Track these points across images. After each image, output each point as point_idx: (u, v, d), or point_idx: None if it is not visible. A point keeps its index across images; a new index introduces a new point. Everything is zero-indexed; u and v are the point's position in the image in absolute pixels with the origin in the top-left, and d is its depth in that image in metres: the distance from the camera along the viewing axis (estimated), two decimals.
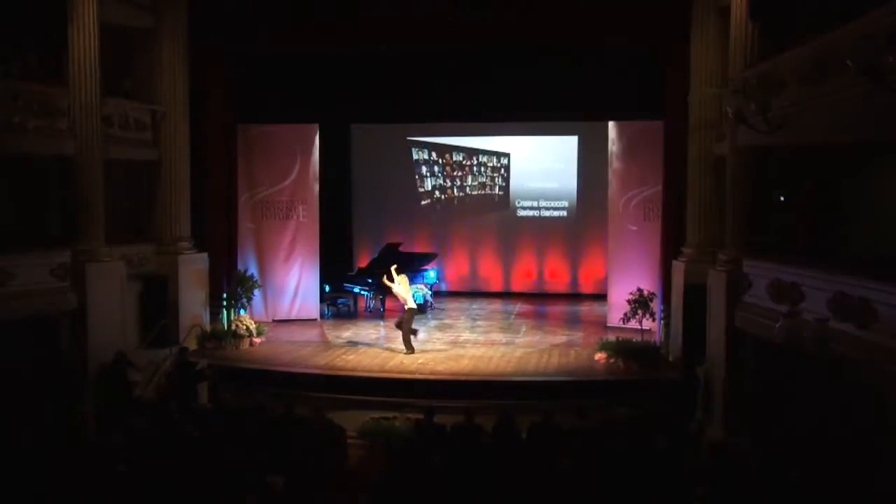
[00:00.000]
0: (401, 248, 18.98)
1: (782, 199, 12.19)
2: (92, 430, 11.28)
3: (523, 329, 16.73)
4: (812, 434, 9.75)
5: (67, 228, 12.72)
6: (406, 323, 14.31)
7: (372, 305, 18.04)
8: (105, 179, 12.77)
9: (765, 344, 10.25)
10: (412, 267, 18.13)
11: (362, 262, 20.17)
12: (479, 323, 17.42)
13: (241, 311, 15.67)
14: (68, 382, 11.77)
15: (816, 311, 8.74)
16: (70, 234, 12.54)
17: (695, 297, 12.44)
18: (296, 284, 17.33)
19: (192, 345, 14.20)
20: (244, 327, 14.95)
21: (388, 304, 17.75)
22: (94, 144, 12.50)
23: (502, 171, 21.15)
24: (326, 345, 15.13)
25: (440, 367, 13.35)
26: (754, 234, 11.41)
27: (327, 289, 18.15)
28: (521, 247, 21.11)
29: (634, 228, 16.11)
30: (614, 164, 16.46)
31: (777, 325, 8.94)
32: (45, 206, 13.42)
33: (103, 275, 12.44)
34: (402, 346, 14.41)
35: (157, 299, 13.92)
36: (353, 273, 19.05)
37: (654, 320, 14.44)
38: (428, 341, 14.18)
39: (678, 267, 13.49)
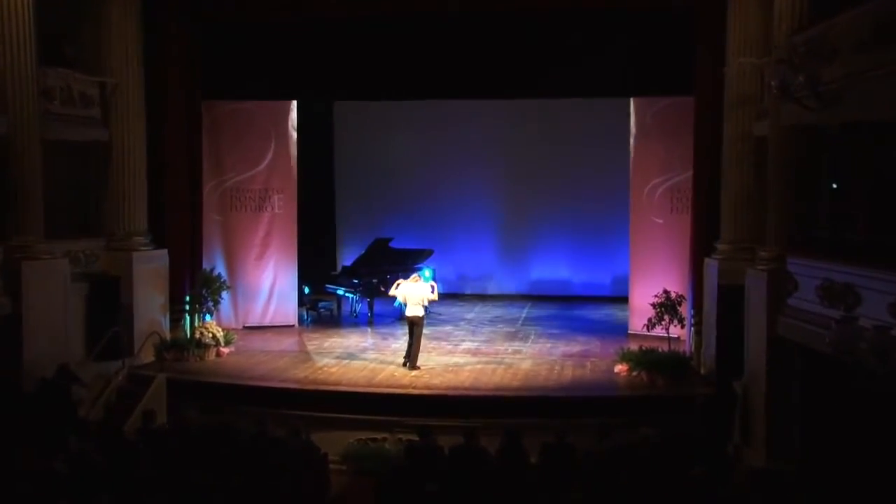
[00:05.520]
0: (392, 244, 18.92)
1: (834, 186, 12.11)
2: (29, 457, 11.10)
3: (532, 337, 16.67)
4: (867, 460, 9.58)
5: None
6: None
7: (358, 310, 17.90)
8: (45, 163, 12.53)
9: (813, 355, 10.11)
10: (405, 265, 18.05)
11: (347, 259, 20.06)
12: (481, 329, 17.35)
13: (207, 317, 15.61)
14: (0, 401, 11.50)
15: (875, 317, 8.55)
16: (2, 228, 12.27)
17: (731, 300, 12.40)
18: (270, 286, 17.27)
19: (149, 356, 14.11)
20: (210, 335, 14.85)
21: (377, 308, 17.68)
22: (30, 122, 12.29)
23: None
24: (306, 355, 15.07)
25: (436, 381, 13.31)
26: (801, 228, 11.33)
27: (307, 291, 18.08)
28: (528, 243, 20.98)
29: (660, 221, 16.09)
30: (636, 147, 16.35)
31: (828, 333, 8.77)
32: None
33: (43, 275, 12.28)
34: (395, 358, 14.38)
35: (108, 303, 13.77)
36: (337, 273, 18.98)
37: (682, 327, 14.42)
38: (422, 351, 14.19)
39: (711, 265, 13.41)
